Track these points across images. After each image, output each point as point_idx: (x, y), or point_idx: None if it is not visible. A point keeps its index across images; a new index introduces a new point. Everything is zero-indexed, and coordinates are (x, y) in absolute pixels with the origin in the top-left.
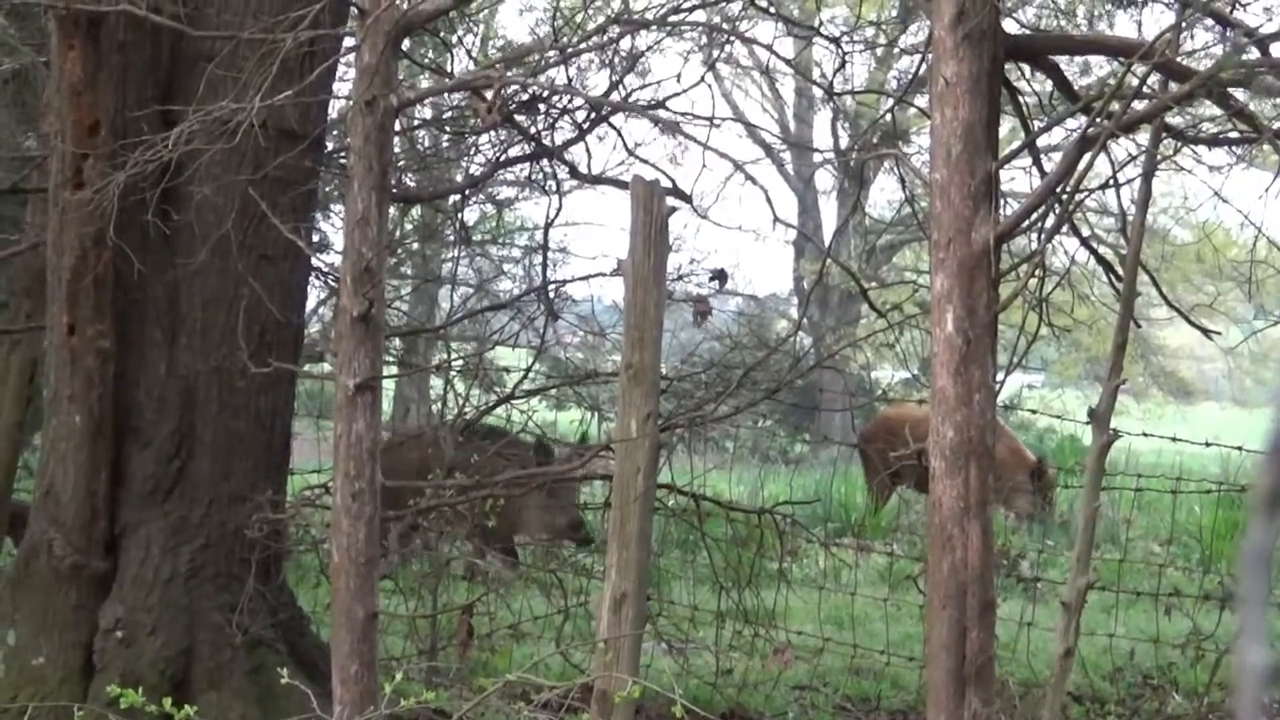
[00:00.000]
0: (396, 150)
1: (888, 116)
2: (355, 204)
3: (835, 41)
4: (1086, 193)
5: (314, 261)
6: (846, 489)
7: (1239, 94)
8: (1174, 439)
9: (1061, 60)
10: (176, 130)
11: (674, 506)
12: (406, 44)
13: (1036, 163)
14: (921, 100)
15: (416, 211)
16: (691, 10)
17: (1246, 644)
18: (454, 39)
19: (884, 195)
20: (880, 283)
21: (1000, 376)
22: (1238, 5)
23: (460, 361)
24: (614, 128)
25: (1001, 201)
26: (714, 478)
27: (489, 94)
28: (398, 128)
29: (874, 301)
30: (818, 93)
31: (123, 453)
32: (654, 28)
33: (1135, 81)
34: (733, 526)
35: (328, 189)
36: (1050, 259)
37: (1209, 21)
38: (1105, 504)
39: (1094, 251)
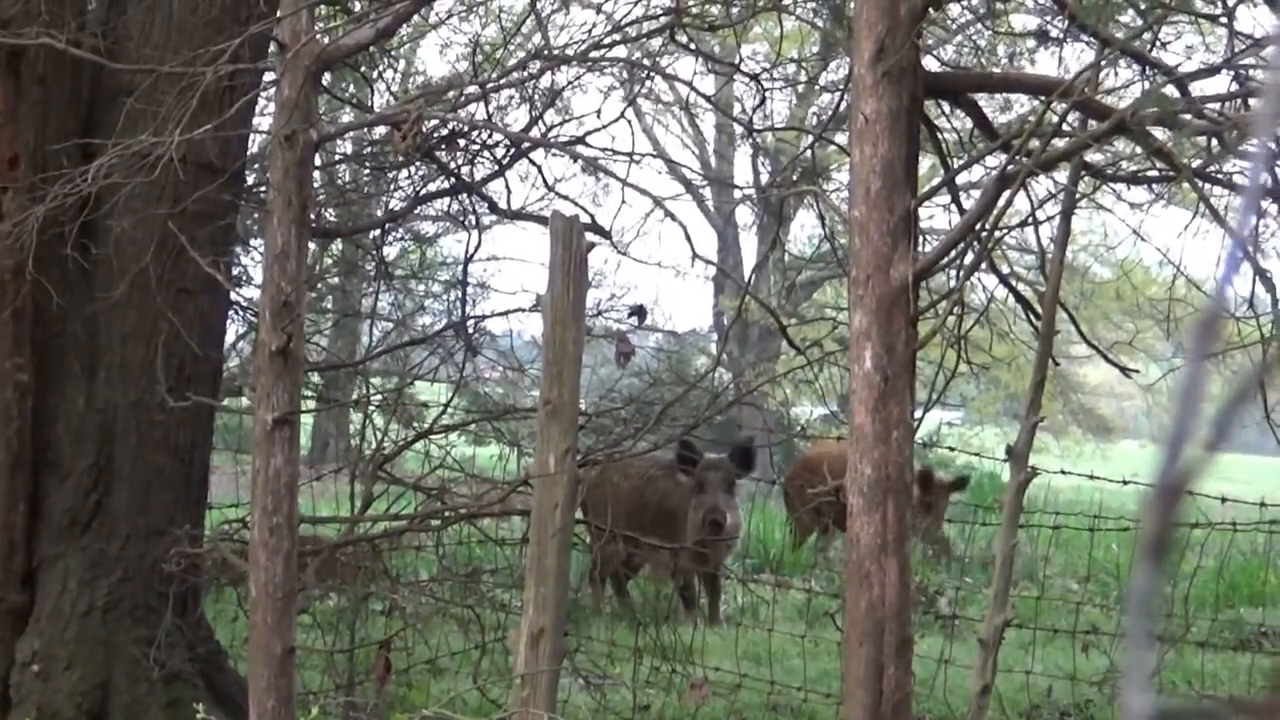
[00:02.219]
0: (316, 185)
1: (808, 153)
2: (274, 238)
3: (755, 78)
4: (1005, 230)
5: (233, 296)
6: (765, 525)
7: (1159, 132)
8: (1091, 476)
9: (981, 98)
10: (96, 164)
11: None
12: (327, 79)
13: (955, 200)
14: (841, 137)
15: (337, 246)
16: (612, 46)
17: (1129, 687)
18: (375, 74)
19: (804, 232)
20: (800, 319)
21: (919, 414)
22: (1157, 44)
23: (379, 396)
24: (533, 163)
25: (921, 239)
26: None
27: (404, 128)
28: (318, 162)
29: (792, 338)
30: (738, 129)
31: (41, 486)
32: (574, 64)
33: (1055, 119)
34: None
35: (247, 223)
36: (969, 296)
37: (1129, 60)
38: (1023, 541)
39: (1013, 289)
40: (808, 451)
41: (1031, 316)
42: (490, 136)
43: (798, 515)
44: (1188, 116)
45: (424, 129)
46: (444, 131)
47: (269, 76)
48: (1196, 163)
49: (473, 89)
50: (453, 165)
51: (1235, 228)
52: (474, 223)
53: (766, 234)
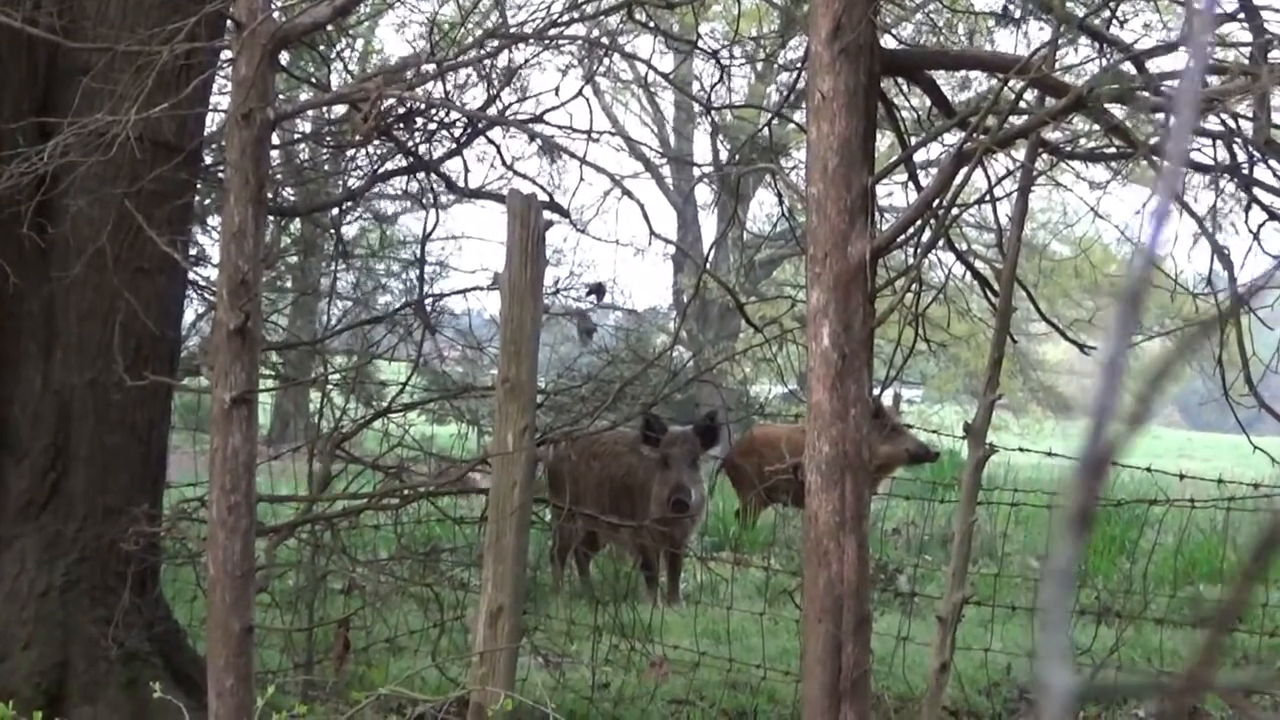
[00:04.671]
0: (274, 163)
1: (766, 131)
2: (231, 217)
3: (714, 55)
4: (963, 207)
5: (191, 275)
6: (724, 503)
7: (1116, 109)
8: (1050, 453)
9: (939, 76)
10: (52, 143)
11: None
12: (285, 57)
13: (913, 178)
14: (800, 115)
15: (296, 225)
16: (569, 24)
17: (1048, 664)
18: (333, 53)
19: (763, 210)
20: (759, 297)
21: (876, 391)
22: (1115, 21)
23: (338, 375)
24: (491, 142)
25: (878, 216)
26: None
27: (363, 109)
28: (275, 141)
29: (751, 316)
30: (697, 107)
31: None
32: (532, 42)
33: (1012, 97)
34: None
35: (205, 202)
36: (927, 274)
37: (1087, 37)
38: (982, 518)
39: (971, 266)
40: (754, 431)
41: (989, 294)
42: (448, 115)
43: (755, 492)
44: (1145, 93)
45: (382, 108)
46: (402, 110)
47: (226, 55)
48: (1154, 140)
49: (430, 67)
50: (411, 144)
51: (1163, 183)
52: (432, 201)
53: (725, 212)
